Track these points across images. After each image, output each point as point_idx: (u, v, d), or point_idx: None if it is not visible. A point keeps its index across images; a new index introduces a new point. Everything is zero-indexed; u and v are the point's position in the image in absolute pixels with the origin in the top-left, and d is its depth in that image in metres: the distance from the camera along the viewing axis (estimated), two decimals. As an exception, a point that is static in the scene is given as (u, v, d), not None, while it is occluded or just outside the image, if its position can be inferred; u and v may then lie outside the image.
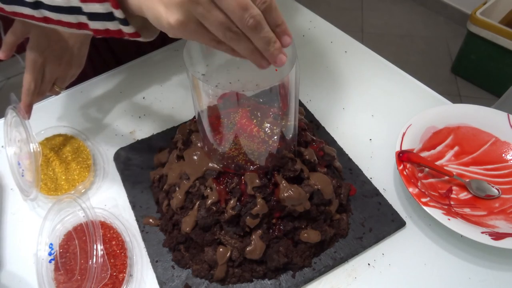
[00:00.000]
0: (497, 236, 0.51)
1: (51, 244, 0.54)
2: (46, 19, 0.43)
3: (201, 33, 0.35)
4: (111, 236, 0.55)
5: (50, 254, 0.53)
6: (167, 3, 0.34)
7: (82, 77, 0.79)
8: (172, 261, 0.54)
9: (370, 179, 0.61)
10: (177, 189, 0.54)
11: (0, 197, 0.62)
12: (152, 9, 0.35)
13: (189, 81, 0.45)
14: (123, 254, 0.54)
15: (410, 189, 0.56)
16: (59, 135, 0.68)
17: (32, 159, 0.57)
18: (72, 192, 0.60)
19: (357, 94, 0.75)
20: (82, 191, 0.62)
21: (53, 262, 0.53)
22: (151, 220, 0.57)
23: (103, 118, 0.73)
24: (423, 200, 0.55)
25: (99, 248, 0.51)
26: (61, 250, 0.54)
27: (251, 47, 0.35)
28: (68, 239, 0.55)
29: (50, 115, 0.73)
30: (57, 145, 0.66)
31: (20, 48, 0.62)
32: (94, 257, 0.50)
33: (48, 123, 0.71)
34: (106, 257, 0.52)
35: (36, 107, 0.75)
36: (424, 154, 0.63)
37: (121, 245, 0.54)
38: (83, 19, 0.41)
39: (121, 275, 0.52)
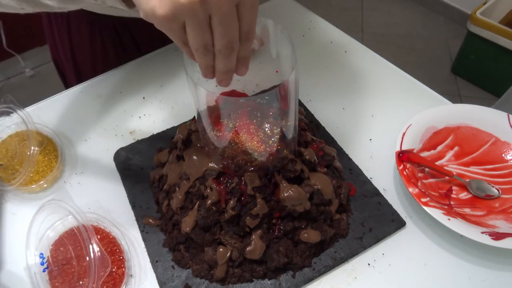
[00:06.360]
0: (497, 236, 0.51)
1: (41, 254, 0.53)
2: None
3: (177, 34, 0.36)
4: (101, 236, 0.55)
5: (42, 264, 0.52)
6: None
7: (105, 66, 0.80)
8: (172, 261, 0.54)
9: (370, 179, 0.61)
10: (177, 189, 0.54)
11: (0, 197, 0.62)
12: None
13: (188, 81, 0.45)
14: (117, 250, 0.54)
15: (410, 189, 0.56)
16: (22, 131, 0.67)
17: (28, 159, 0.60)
18: (42, 182, 0.62)
19: (357, 94, 0.75)
20: (53, 181, 0.64)
21: (47, 271, 0.52)
22: (151, 220, 0.57)
23: (103, 118, 0.73)
24: (423, 200, 0.55)
25: (95, 247, 0.51)
26: (53, 259, 0.53)
27: (210, 63, 0.38)
28: (60, 245, 0.54)
29: (51, 114, 0.73)
30: (22, 141, 0.66)
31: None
32: (92, 253, 0.50)
33: (48, 123, 0.71)
34: (104, 252, 0.52)
35: (36, 106, 0.75)
36: (424, 154, 0.63)
37: (113, 242, 0.54)
38: None
39: (120, 270, 0.52)
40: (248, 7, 0.35)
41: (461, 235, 0.52)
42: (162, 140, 0.67)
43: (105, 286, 0.51)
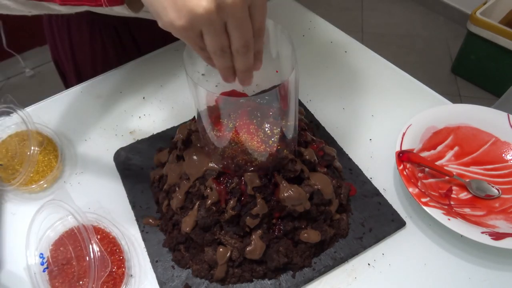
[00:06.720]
0: (497, 236, 0.51)
1: (41, 254, 0.53)
2: None
3: (194, 41, 0.37)
4: (101, 236, 0.55)
5: (42, 264, 0.52)
6: (180, 7, 0.34)
7: (105, 66, 0.81)
8: (172, 261, 0.54)
9: (370, 179, 0.61)
10: (177, 189, 0.54)
11: (0, 197, 0.62)
12: (159, 4, 0.35)
13: (188, 81, 0.45)
14: (117, 250, 0.54)
15: (410, 189, 0.56)
16: (22, 131, 0.67)
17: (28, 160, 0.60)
18: (42, 182, 0.62)
19: (357, 94, 0.75)
20: (53, 181, 0.64)
21: (47, 270, 0.52)
22: (151, 220, 0.57)
23: (103, 118, 0.73)
24: (423, 200, 0.55)
25: (95, 247, 0.51)
26: (53, 259, 0.53)
27: (229, 64, 0.39)
28: (60, 245, 0.54)
29: (51, 114, 0.73)
30: (22, 141, 0.66)
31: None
32: (91, 253, 0.50)
33: (48, 123, 0.71)
34: (104, 252, 0.52)
35: (36, 106, 0.75)
36: (424, 154, 0.63)
37: (113, 242, 0.54)
38: None
39: (120, 270, 0.52)
40: (259, 7, 0.37)
41: (461, 235, 0.52)
42: (162, 140, 0.67)
43: (105, 286, 0.51)
